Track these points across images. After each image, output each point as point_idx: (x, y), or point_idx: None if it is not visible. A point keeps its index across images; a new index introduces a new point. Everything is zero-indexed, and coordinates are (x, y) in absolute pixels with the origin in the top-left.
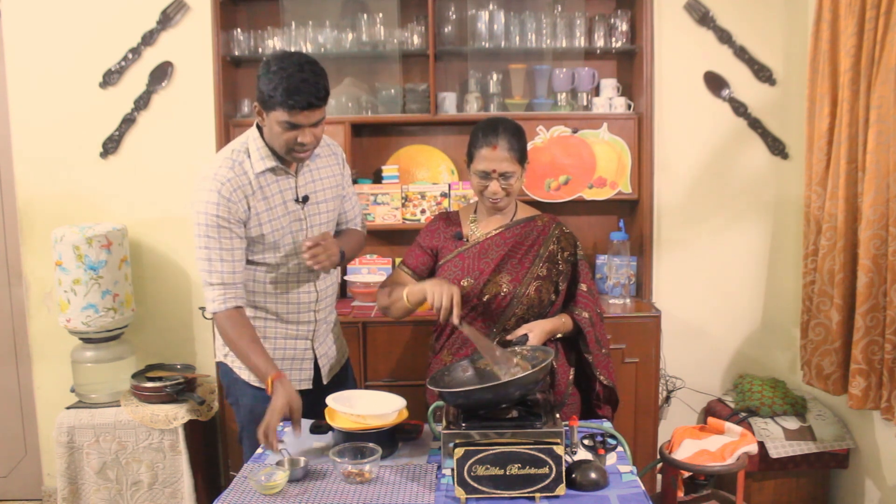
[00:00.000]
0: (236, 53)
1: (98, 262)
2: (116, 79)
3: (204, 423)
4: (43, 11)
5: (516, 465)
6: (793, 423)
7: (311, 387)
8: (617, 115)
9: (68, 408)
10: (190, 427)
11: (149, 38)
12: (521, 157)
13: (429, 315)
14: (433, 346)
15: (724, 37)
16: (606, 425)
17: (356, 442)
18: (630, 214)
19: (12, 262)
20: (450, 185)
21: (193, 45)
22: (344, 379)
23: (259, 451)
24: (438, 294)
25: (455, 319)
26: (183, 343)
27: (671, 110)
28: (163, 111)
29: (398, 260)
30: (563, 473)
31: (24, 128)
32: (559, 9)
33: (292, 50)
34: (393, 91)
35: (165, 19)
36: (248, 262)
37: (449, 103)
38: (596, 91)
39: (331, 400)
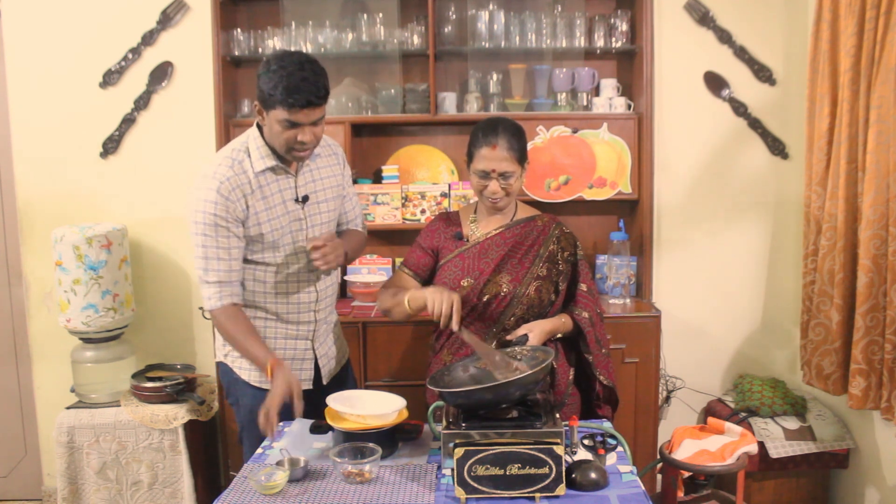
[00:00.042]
0: (236, 53)
1: (98, 262)
2: (116, 79)
3: (204, 423)
4: (43, 11)
5: (516, 465)
6: (793, 423)
7: (311, 387)
8: (617, 115)
9: (68, 408)
10: (190, 427)
11: (149, 38)
12: (521, 156)
13: (429, 315)
14: (433, 346)
15: (724, 37)
16: (606, 425)
17: (356, 442)
18: (630, 214)
19: (12, 262)
20: (450, 185)
21: (193, 45)
22: (344, 379)
23: (259, 451)
24: (438, 301)
25: (455, 326)
26: (183, 343)
27: (671, 110)
28: (163, 111)
29: (398, 260)
30: (563, 473)
31: (24, 128)
32: (559, 9)
33: (292, 50)
34: (393, 91)
35: (165, 19)
36: (248, 261)
37: (449, 103)
38: (596, 91)
39: (331, 400)
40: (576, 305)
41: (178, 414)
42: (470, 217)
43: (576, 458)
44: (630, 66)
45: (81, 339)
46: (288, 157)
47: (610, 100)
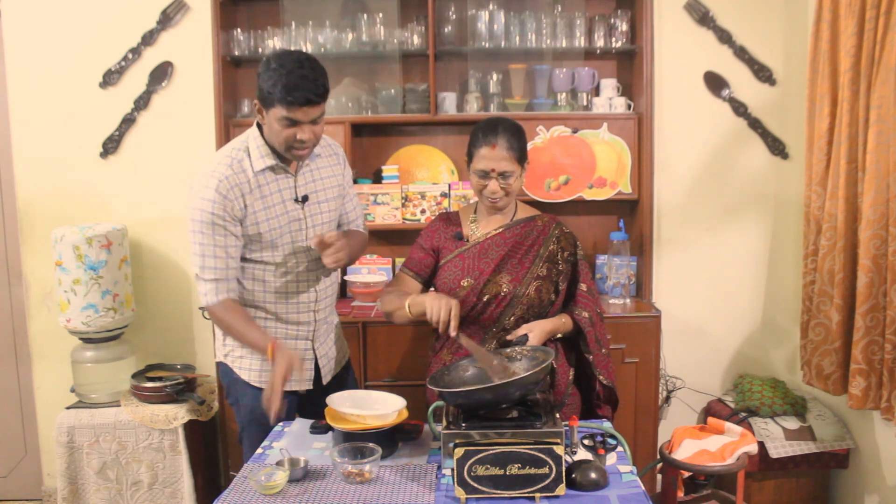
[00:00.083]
0: (236, 53)
1: (98, 262)
2: (116, 79)
3: (204, 423)
4: (43, 11)
5: (516, 465)
6: (793, 423)
7: (311, 387)
8: (617, 115)
9: (68, 408)
10: (190, 427)
11: (149, 38)
12: (521, 156)
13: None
14: (433, 346)
15: (724, 37)
16: (606, 425)
17: (356, 442)
18: (630, 214)
19: (12, 262)
20: (450, 185)
21: (193, 45)
22: (345, 379)
23: (259, 451)
24: (437, 308)
25: (452, 332)
26: (183, 343)
27: (671, 110)
28: (163, 111)
29: (398, 260)
30: (563, 473)
31: (24, 128)
32: (559, 9)
33: (292, 49)
34: (393, 91)
35: (165, 19)
36: (248, 260)
37: (449, 103)
38: (596, 91)
39: (331, 400)
40: (576, 305)
41: (178, 414)
42: (470, 217)
43: (576, 458)
44: (630, 66)
45: (81, 339)
46: (287, 156)
47: (610, 100)
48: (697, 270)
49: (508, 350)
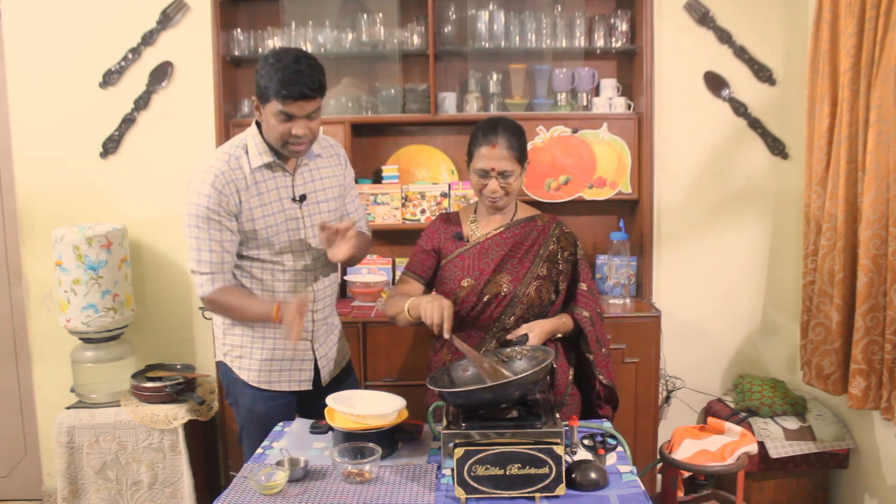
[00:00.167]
0: (236, 53)
1: (98, 262)
2: (116, 79)
3: (204, 423)
4: (43, 11)
5: (516, 465)
6: (793, 423)
7: (310, 387)
8: (617, 115)
9: (68, 408)
10: (190, 427)
11: (149, 38)
12: (521, 156)
13: None
14: (433, 346)
15: (724, 37)
16: (606, 425)
17: (356, 442)
18: (630, 214)
19: (12, 262)
20: (450, 185)
21: (193, 45)
22: (345, 381)
23: (259, 451)
24: (430, 310)
25: (446, 334)
26: (183, 343)
27: (671, 110)
28: (163, 111)
29: (398, 260)
30: (563, 473)
31: (24, 128)
32: (559, 9)
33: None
34: (393, 91)
35: (165, 19)
36: (244, 257)
37: (449, 103)
38: (596, 91)
39: (331, 400)
40: (576, 305)
41: (178, 414)
42: (470, 217)
43: (576, 458)
44: (630, 66)
45: (81, 339)
46: (284, 152)
47: (610, 100)
48: (697, 270)
49: (508, 350)
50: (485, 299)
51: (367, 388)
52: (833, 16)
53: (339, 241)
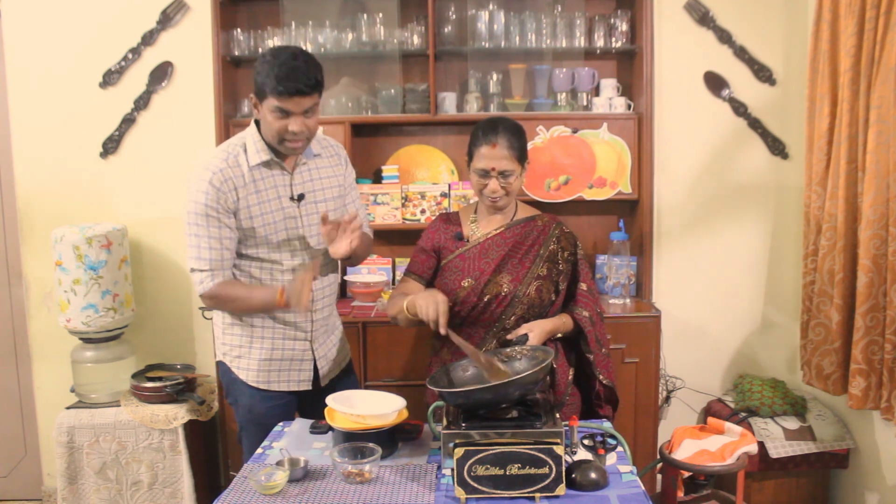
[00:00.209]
0: (236, 53)
1: (98, 262)
2: (116, 79)
3: (204, 423)
4: (43, 11)
5: (516, 465)
6: (793, 423)
7: (309, 388)
8: (617, 115)
9: (68, 408)
10: (190, 427)
11: (149, 38)
12: (521, 155)
13: None
14: (433, 346)
15: (724, 37)
16: (606, 425)
17: (356, 442)
18: (630, 214)
19: (12, 262)
20: (450, 185)
21: (193, 45)
22: (345, 381)
23: (259, 451)
24: (425, 307)
25: (442, 330)
26: (183, 343)
27: (671, 110)
28: (163, 111)
29: (398, 260)
30: (563, 473)
31: (24, 128)
32: (559, 9)
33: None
34: (393, 91)
35: (165, 19)
36: (243, 256)
37: (449, 103)
38: (596, 91)
39: (331, 400)
40: (576, 305)
41: (178, 414)
42: (470, 217)
43: (576, 458)
44: (630, 66)
45: (81, 339)
46: (281, 149)
47: (610, 100)
48: (697, 270)
49: (508, 350)
50: (485, 299)
51: (367, 388)
52: (833, 16)
53: (340, 235)
